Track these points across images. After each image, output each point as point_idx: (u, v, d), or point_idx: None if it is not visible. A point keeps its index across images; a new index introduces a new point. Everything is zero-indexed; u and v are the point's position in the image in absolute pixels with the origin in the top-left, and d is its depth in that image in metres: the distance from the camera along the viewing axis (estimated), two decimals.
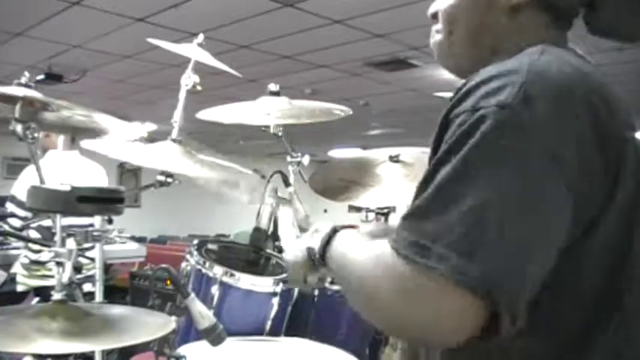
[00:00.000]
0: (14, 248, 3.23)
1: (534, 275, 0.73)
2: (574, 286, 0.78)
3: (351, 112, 2.15)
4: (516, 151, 0.73)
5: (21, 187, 3.26)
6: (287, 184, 2.22)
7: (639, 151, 0.82)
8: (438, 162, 0.77)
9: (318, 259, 1.01)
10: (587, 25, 0.95)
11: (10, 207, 3.27)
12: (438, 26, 1.00)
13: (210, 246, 2.08)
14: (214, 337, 1.40)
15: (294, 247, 1.11)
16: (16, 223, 3.18)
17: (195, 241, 2.00)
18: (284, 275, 1.93)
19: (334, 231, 1.00)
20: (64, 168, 3.22)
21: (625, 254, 0.80)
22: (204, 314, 1.40)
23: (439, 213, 0.73)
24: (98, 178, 3.56)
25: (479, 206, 0.71)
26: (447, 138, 0.78)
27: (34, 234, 3.12)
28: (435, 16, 1.01)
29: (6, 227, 3.06)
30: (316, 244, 1.01)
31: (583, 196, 0.75)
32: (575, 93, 0.78)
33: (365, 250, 0.85)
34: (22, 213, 3.15)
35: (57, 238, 1.31)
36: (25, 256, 3.25)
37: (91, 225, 1.63)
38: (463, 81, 0.82)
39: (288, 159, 2.25)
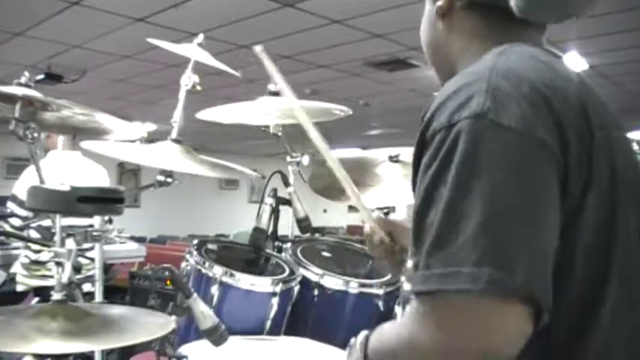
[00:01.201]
0: (14, 248, 3.23)
1: (551, 265, 0.75)
2: (564, 276, 0.79)
3: (351, 112, 2.15)
4: (503, 153, 0.74)
5: (22, 186, 3.26)
6: (287, 184, 2.22)
7: (611, 143, 0.83)
8: (430, 186, 0.77)
9: None
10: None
11: (11, 206, 3.26)
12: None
13: (210, 246, 2.07)
14: (216, 337, 1.40)
15: None
16: (16, 222, 3.18)
17: (195, 241, 2.00)
18: (284, 275, 1.93)
19: (367, 337, 0.94)
20: (65, 168, 3.22)
21: (608, 244, 0.81)
22: (206, 314, 1.40)
23: (453, 238, 0.73)
24: (100, 179, 3.56)
25: (489, 218, 0.71)
26: (428, 158, 0.78)
27: (33, 234, 3.12)
28: None
29: (7, 227, 3.06)
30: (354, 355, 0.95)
31: (566, 180, 0.77)
32: (541, 83, 0.79)
33: (391, 328, 0.87)
34: (22, 213, 3.15)
35: (57, 238, 1.31)
36: (25, 256, 3.25)
37: (91, 225, 1.63)
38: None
39: (288, 159, 2.25)
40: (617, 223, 0.81)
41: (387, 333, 0.89)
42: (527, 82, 0.78)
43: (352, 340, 1.00)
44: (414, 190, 0.84)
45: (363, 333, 0.95)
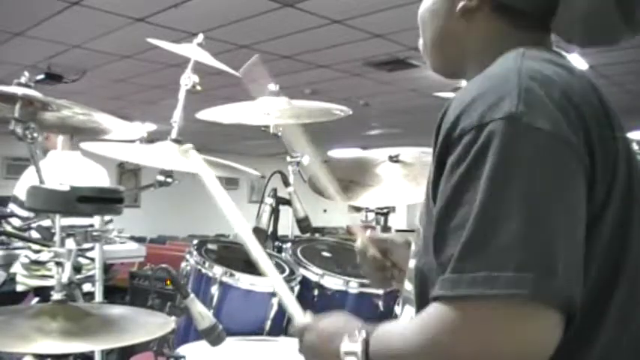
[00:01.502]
0: (15, 248, 3.23)
1: (582, 269, 0.74)
2: (584, 273, 0.78)
3: (351, 112, 2.15)
4: (538, 156, 0.73)
5: (22, 187, 3.26)
6: (287, 184, 2.22)
7: (628, 145, 0.83)
8: (459, 187, 0.75)
9: None
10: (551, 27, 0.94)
11: (12, 207, 3.27)
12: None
13: (210, 246, 2.08)
14: (214, 337, 1.40)
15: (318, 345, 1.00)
16: (16, 223, 3.18)
17: (195, 241, 2.00)
18: (284, 275, 1.93)
19: (366, 344, 0.87)
20: (65, 168, 3.22)
21: (622, 246, 0.81)
22: (203, 314, 1.40)
23: (491, 242, 0.71)
24: (99, 179, 3.56)
25: (528, 223, 0.70)
26: (456, 158, 0.76)
27: (34, 234, 3.12)
28: None
29: (8, 228, 3.06)
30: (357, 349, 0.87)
31: (593, 184, 0.77)
32: (568, 87, 0.79)
33: (399, 332, 0.82)
34: (23, 213, 3.15)
35: (57, 238, 1.31)
36: (25, 256, 3.25)
37: (91, 225, 1.63)
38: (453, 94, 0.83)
39: (288, 159, 2.25)
40: (631, 224, 0.81)
41: (395, 338, 0.83)
42: (555, 85, 0.78)
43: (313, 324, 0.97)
44: (434, 191, 0.82)
45: (357, 331, 0.88)
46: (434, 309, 0.75)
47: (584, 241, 0.75)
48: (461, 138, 0.76)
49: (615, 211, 0.79)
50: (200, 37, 1.79)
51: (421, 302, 0.88)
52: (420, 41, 1.04)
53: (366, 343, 0.86)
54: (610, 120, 0.81)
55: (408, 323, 0.83)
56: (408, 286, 1.03)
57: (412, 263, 1.01)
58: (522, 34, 0.93)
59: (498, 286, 0.69)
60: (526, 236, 0.70)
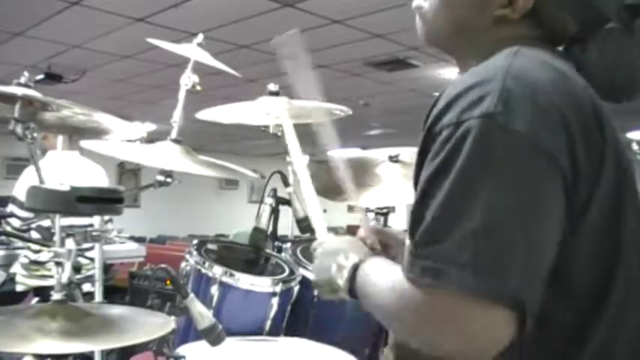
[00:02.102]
0: (14, 248, 3.23)
1: (545, 273, 0.75)
2: (567, 279, 0.79)
3: (350, 112, 2.15)
4: (509, 158, 0.74)
5: (21, 187, 3.26)
6: (286, 184, 2.22)
7: (619, 147, 0.83)
8: (432, 180, 0.77)
9: (346, 292, 0.98)
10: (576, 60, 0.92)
11: (12, 208, 3.27)
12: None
13: (210, 246, 2.07)
14: (214, 337, 1.40)
15: (319, 270, 1.07)
16: (16, 223, 3.18)
17: (195, 241, 2.00)
18: (283, 275, 1.93)
19: (355, 268, 0.96)
20: (64, 168, 3.22)
21: (614, 246, 0.81)
22: (203, 314, 1.40)
23: (448, 234, 0.73)
24: (98, 179, 3.56)
25: (486, 220, 0.72)
26: (433, 152, 0.79)
27: (33, 234, 3.12)
28: None
29: (8, 228, 3.06)
30: (341, 281, 0.98)
31: (574, 188, 0.77)
32: (553, 90, 0.79)
33: (383, 281, 0.87)
34: (23, 214, 3.15)
35: (56, 238, 1.31)
36: (25, 256, 3.26)
37: (91, 225, 1.63)
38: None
39: (288, 159, 2.25)
40: (623, 226, 0.81)
41: (375, 282, 0.90)
42: (540, 87, 0.78)
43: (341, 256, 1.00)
44: (416, 185, 0.85)
45: (353, 262, 0.97)
46: (405, 281, 0.79)
47: (551, 246, 0.76)
48: (440, 133, 0.78)
49: (602, 213, 0.79)
50: (200, 37, 1.79)
51: None
52: (419, 3, 0.99)
53: (355, 268, 0.96)
54: (600, 122, 0.81)
55: (386, 277, 0.87)
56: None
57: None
58: (540, 42, 0.91)
59: (444, 278, 0.72)
60: (480, 235, 0.71)
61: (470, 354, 0.75)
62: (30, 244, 3.18)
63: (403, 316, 0.80)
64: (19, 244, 3.19)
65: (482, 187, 0.73)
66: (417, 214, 0.79)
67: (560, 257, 0.77)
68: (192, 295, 1.40)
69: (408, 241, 1.03)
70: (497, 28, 0.92)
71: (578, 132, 0.78)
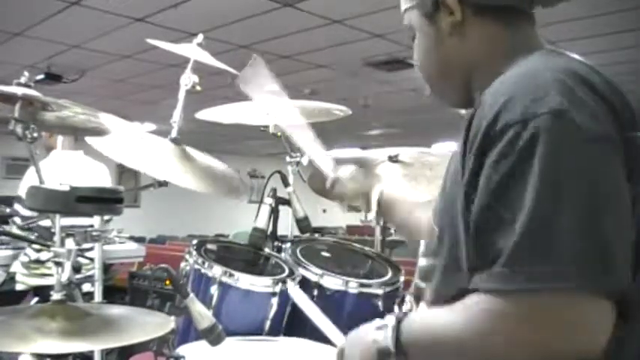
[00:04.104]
0: (15, 248, 3.24)
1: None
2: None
3: (350, 112, 2.15)
4: (587, 151, 0.74)
5: (26, 187, 3.26)
6: (286, 184, 2.22)
7: None
8: (506, 183, 0.75)
9: (395, 353, 0.89)
10: None
11: (18, 208, 3.27)
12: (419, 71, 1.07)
13: (210, 246, 2.07)
14: (213, 337, 1.39)
15: (352, 346, 1.02)
16: (18, 222, 3.18)
17: (195, 241, 2.00)
18: (283, 275, 1.93)
19: (399, 321, 0.90)
20: (67, 168, 3.22)
21: None
22: (203, 314, 1.40)
23: (546, 239, 0.72)
24: (101, 178, 3.56)
25: (582, 219, 0.72)
26: (500, 153, 0.76)
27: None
28: None
29: (14, 228, 3.06)
30: (386, 340, 0.90)
31: (629, 177, 0.78)
32: (599, 86, 0.80)
33: (439, 321, 0.84)
34: (28, 213, 3.15)
35: (56, 238, 1.31)
36: (25, 254, 3.26)
37: (91, 225, 1.63)
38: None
39: (288, 159, 2.25)
40: None
41: (435, 325, 0.85)
42: (590, 83, 0.79)
43: (356, 333, 0.98)
44: (469, 188, 0.81)
45: (395, 318, 0.90)
46: (481, 300, 0.76)
47: (632, 234, 0.77)
48: (503, 133, 0.76)
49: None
50: (200, 37, 1.79)
51: (437, 297, 0.91)
52: (429, 91, 1.06)
53: (397, 329, 0.88)
54: (634, 116, 0.82)
55: (447, 313, 0.83)
56: (420, 283, 1.04)
57: (423, 262, 1.02)
58: (513, 30, 0.94)
59: (558, 280, 0.71)
60: (581, 233, 0.71)
61: (586, 349, 0.74)
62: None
63: (491, 341, 0.76)
64: (20, 243, 3.19)
65: (568, 187, 0.73)
66: (486, 219, 0.77)
67: None
68: (192, 295, 1.40)
69: (423, 246, 1.03)
70: (469, 41, 0.95)
71: (626, 123, 0.79)
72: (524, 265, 0.73)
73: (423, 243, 1.07)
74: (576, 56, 0.90)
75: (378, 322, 0.95)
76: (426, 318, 0.91)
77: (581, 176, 0.73)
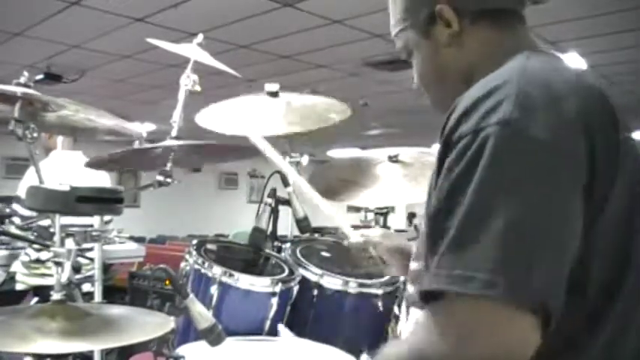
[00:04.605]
0: (15, 248, 3.23)
1: (566, 276, 0.75)
2: (584, 272, 0.79)
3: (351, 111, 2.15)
4: (529, 162, 0.74)
5: (25, 187, 3.26)
6: (286, 184, 2.22)
7: (633, 144, 0.84)
8: (452, 191, 0.77)
9: None
10: None
11: (16, 208, 3.27)
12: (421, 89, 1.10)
13: (210, 246, 2.07)
14: (213, 337, 1.40)
15: None
16: (18, 222, 3.18)
17: (195, 241, 2.00)
18: (283, 275, 1.93)
19: None
20: (66, 168, 3.22)
21: (627, 246, 0.81)
22: (203, 315, 1.40)
23: (472, 243, 0.73)
24: (100, 179, 3.56)
25: (512, 226, 0.72)
26: (452, 161, 0.78)
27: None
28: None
29: (12, 228, 3.06)
30: None
31: (592, 188, 0.77)
32: (570, 92, 0.79)
33: (391, 350, 0.86)
34: (27, 213, 3.15)
35: (56, 238, 1.31)
36: (26, 254, 3.26)
37: (91, 225, 1.63)
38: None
39: (287, 159, 2.25)
40: (636, 223, 0.82)
41: (397, 349, 0.86)
42: (556, 88, 0.79)
43: None
44: (434, 191, 0.84)
45: None
46: (424, 312, 0.78)
47: (572, 248, 0.76)
48: (458, 142, 0.78)
49: (617, 211, 0.80)
50: (200, 37, 1.80)
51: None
52: (427, 99, 1.09)
53: None
54: (616, 122, 0.82)
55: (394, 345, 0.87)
56: (411, 288, 1.04)
57: (414, 265, 1.02)
58: (508, 33, 0.95)
59: (472, 285, 0.71)
60: (505, 241, 0.71)
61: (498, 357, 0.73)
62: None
63: (428, 346, 0.76)
64: (20, 243, 3.19)
65: (503, 194, 0.73)
66: (436, 224, 0.79)
67: (577, 254, 0.77)
68: (192, 295, 1.40)
69: (414, 249, 1.04)
70: (467, 50, 0.97)
71: (597, 133, 0.78)
72: (446, 267, 0.74)
73: (414, 247, 1.08)
74: (559, 57, 0.90)
75: None
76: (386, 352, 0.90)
77: (518, 185, 0.73)
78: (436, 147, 0.86)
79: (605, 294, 0.80)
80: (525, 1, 0.97)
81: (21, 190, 3.30)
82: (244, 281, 1.84)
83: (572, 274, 0.76)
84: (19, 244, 3.17)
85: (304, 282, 1.94)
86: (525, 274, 0.71)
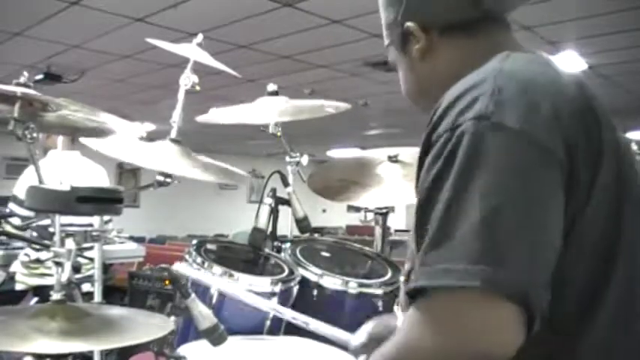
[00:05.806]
0: (14, 248, 3.23)
1: (551, 267, 0.75)
2: (570, 273, 0.79)
3: (349, 107, 2.15)
4: (504, 155, 0.75)
5: (22, 186, 3.26)
6: (286, 184, 2.22)
7: (619, 144, 0.84)
8: (432, 187, 0.78)
9: None
10: None
11: (12, 207, 3.27)
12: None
13: (209, 246, 2.07)
14: (215, 337, 1.40)
15: None
16: (16, 222, 3.18)
17: (194, 241, 2.00)
18: (283, 275, 1.93)
19: None
20: (65, 168, 3.22)
21: (613, 242, 0.81)
22: (204, 315, 1.40)
23: (450, 237, 0.73)
24: (99, 179, 3.57)
25: (487, 217, 0.72)
26: (431, 159, 0.80)
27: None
28: None
29: (8, 227, 3.06)
30: None
31: (572, 182, 0.77)
32: (545, 85, 0.81)
33: (386, 347, 0.84)
34: (23, 212, 3.15)
35: (56, 238, 1.31)
36: (26, 254, 3.26)
37: (90, 225, 1.63)
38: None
39: (287, 159, 2.25)
40: (622, 223, 0.82)
41: (385, 349, 0.86)
42: (532, 83, 0.80)
43: None
44: (417, 190, 0.85)
45: None
46: (410, 309, 0.78)
47: (554, 239, 0.76)
48: (437, 140, 0.80)
49: (601, 210, 0.80)
50: (199, 37, 1.79)
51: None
52: (421, 107, 1.10)
53: None
54: (597, 120, 0.82)
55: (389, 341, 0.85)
56: (402, 287, 1.05)
57: (407, 265, 1.02)
58: (481, 38, 0.96)
59: (452, 278, 0.71)
60: (481, 231, 0.72)
61: (485, 356, 0.73)
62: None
63: (414, 342, 0.77)
64: (19, 243, 3.19)
65: (479, 185, 0.74)
66: (420, 223, 0.80)
67: (565, 249, 0.77)
68: (193, 295, 1.40)
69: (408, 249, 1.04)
70: (442, 62, 0.99)
71: (573, 126, 0.79)
72: (428, 264, 0.75)
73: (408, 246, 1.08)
74: (545, 57, 0.91)
75: None
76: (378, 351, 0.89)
77: (492, 175, 0.74)
78: None
79: (591, 294, 0.80)
80: (507, 6, 0.98)
81: (18, 190, 3.30)
82: (244, 281, 1.84)
83: (557, 269, 0.76)
84: (18, 243, 3.17)
85: (304, 282, 1.94)
86: (503, 263, 0.71)
